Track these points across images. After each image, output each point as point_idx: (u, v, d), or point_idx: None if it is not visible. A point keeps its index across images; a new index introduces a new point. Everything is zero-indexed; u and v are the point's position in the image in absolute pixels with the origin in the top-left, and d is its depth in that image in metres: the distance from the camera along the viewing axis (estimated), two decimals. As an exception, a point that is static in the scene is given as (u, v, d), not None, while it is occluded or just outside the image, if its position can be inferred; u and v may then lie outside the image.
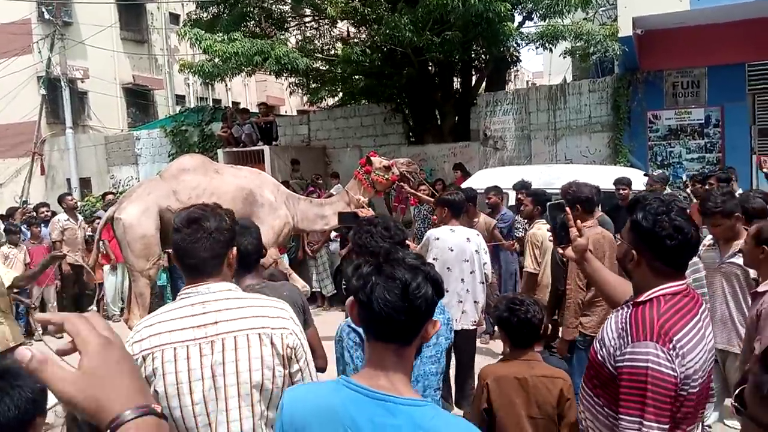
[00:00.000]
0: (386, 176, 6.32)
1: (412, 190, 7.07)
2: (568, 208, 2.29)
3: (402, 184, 6.85)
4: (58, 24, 17.23)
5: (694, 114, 10.51)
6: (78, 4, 18.10)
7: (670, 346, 1.76)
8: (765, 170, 7.38)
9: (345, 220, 4.02)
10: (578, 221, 2.30)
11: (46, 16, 17.38)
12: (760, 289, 2.82)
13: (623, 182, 6.66)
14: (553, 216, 2.29)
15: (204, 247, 1.87)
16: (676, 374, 1.74)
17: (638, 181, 7.20)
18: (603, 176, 7.03)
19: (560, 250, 2.42)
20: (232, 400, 1.79)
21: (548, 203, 2.38)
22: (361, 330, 2.05)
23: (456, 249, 4.36)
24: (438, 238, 4.39)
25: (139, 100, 21.28)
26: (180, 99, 22.95)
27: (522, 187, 6.34)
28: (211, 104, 21.27)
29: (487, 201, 6.76)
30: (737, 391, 1.33)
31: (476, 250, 4.42)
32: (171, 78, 22.37)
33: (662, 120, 10.78)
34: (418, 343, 1.40)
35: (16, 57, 16.90)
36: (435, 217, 5.27)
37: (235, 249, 1.97)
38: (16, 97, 17.02)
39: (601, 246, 3.72)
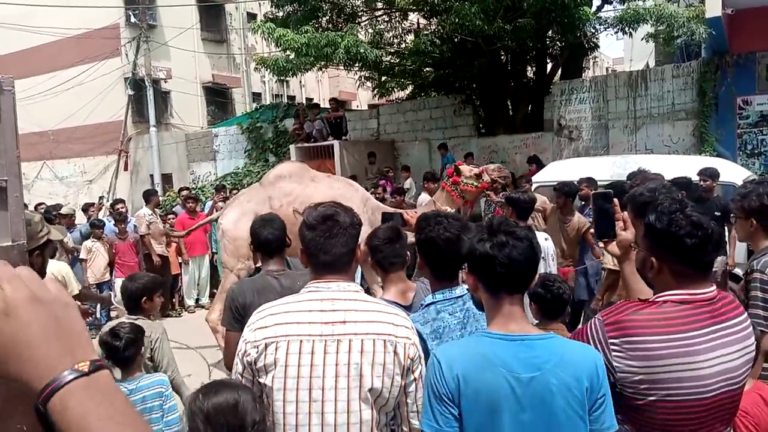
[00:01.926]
0: (476, 184, 6.02)
1: (499, 199, 6.64)
2: (615, 199, 2.09)
3: (489, 193, 6.54)
4: (144, 27, 18.13)
5: (791, 98, 9.72)
6: (162, 7, 18.95)
7: (616, 341, 1.72)
8: None
9: (386, 221, 3.86)
10: (624, 213, 2.09)
11: (133, 20, 18.31)
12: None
13: (707, 173, 6.20)
14: (597, 206, 2.08)
15: (341, 242, 1.87)
16: (607, 359, 1.73)
17: (728, 171, 6.70)
18: (685, 166, 6.58)
19: (601, 244, 2.28)
20: (354, 402, 1.76)
21: (593, 192, 2.20)
22: (421, 330, 2.09)
23: None
24: None
25: (217, 98, 22.05)
26: (256, 96, 23.61)
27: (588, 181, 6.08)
28: (285, 101, 21.76)
29: (579, 193, 6.45)
30: None
31: (542, 257, 4.23)
32: (248, 76, 23.04)
33: (753, 106, 10.04)
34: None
35: (105, 60, 17.94)
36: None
37: (362, 245, 1.99)
38: (105, 98, 18.05)
39: None
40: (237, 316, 2.90)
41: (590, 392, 1.62)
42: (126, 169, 18.97)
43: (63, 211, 8.75)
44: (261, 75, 21.77)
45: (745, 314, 1.85)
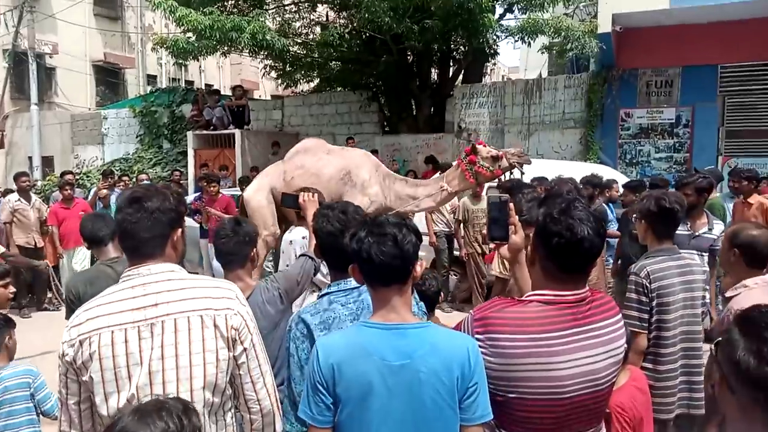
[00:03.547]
0: (491, 168, 5.79)
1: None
2: (511, 204, 2.04)
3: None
4: (27, -5, 16.68)
5: (666, 113, 10.63)
6: (49, -25, 17.55)
7: (480, 336, 1.74)
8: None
9: (285, 202, 3.74)
10: (516, 217, 2.05)
11: (14, -14, 16.80)
12: (728, 294, 2.81)
13: (590, 182, 6.46)
14: (491, 209, 2.04)
15: (146, 227, 1.80)
16: None
17: (609, 177, 7.22)
18: (573, 172, 7.05)
19: (492, 245, 2.27)
20: (171, 384, 1.72)
21: (488, 195, 2.11)
22: (310, 321, 2.10)
23: None
24: None
25: (109, 78, 20.78)
26: (152, 79, 22.48)
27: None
28: (183, 85, 20.87)
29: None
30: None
31: None
32: (143, 57, 21.89)
33: (634, 118, 10.89)
34: (411, 281, 1.76)
35: (-20, 27, 16.33)
36: None
37: (180, 230, 1.90)
38: (-21, 68, 16.46)
39: None
40: (74, 309, 2.83)
41: (461, 381, 1.64)
42: (2, 147, 17.38)
43: None
44: (158, 56, 20.77)
45: (617, 317, 1.84)
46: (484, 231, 2.32)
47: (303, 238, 3.99)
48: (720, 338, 1.37)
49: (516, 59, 30.17)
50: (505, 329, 1.72)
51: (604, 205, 6.35)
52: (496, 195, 2.09)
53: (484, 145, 5.96)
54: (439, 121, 12.71)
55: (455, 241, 7.63)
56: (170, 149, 15.23)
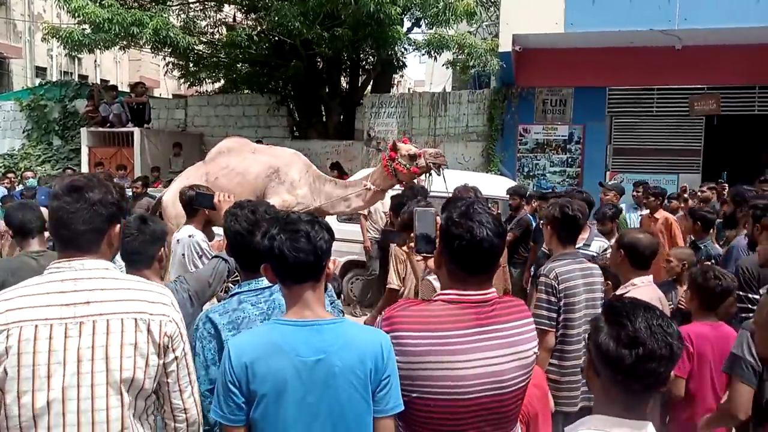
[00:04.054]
0: (408, 166, 5.61)
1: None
2: (438, 217, 2.02)
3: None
4: None
5: (560, 130, 11.37)
6: None
7: (391, 336, 1.73)
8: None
9: (200, 203, 3.62)
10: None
11: None
12: (618, 292, 3.07)
13: (516, 192, 6.80)
14: (416, 219, 2.04)
15: (83, 218, 1.70)
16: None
17: (504, 188, 7.57)
18: (476, 183, 7.35)
19: (418, 257, 2.34)
20: (100, 387, 1.65)
21: (416, 208, 2.09)
22: (218, 321, 2.07)
23: None
24: None
25: (-10, 67, 19.16)
26: (40, 71, 20.95)
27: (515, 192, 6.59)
28: (76, 80, 19.63)
29: (509, 203, 6.76)
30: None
31: None
32: (31, 47, 20.35)
33: (531, 134, 11.55)
34: (324, 278, 1.78)
35: None
36: None
37: (118, 226, 1.82)
38: None
39: None
40: None
41: (374, 374, 1.68)
42: None
43: None
44: (48, 47, 19.41)
45: (526, 320, 1.84)
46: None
47: (189, 236, 3.87)
48: (588, 332, 1.56)
49: (422, 73, 30.97)
50: (409, 327, 1.73)
51: (529, 215, 6.60)
52: (422, 207, 2.12)
53: (406, 143, 5.88)
54: (348, 128, 12.81)
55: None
56: (61, 146, 14.27)
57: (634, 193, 7.60)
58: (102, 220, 1.74)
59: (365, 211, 7.04)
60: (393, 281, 5.06)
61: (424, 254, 2.05)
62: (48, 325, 1.62)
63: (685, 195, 8.57)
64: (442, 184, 6.67)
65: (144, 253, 2.68)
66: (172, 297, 1.84)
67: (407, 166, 5.59)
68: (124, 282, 1.77)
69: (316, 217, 1.82)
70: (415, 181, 5.88)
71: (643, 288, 2.92)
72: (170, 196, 5.82)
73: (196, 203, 3.71)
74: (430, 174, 5.84)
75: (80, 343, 1.64)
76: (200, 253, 3.82)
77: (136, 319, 1.70)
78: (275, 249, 1.69)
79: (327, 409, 1.65)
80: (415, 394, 1.72)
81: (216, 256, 3.03)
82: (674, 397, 2.88)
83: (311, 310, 1.72)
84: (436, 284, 2.77)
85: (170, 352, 1.76)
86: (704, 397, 2.88)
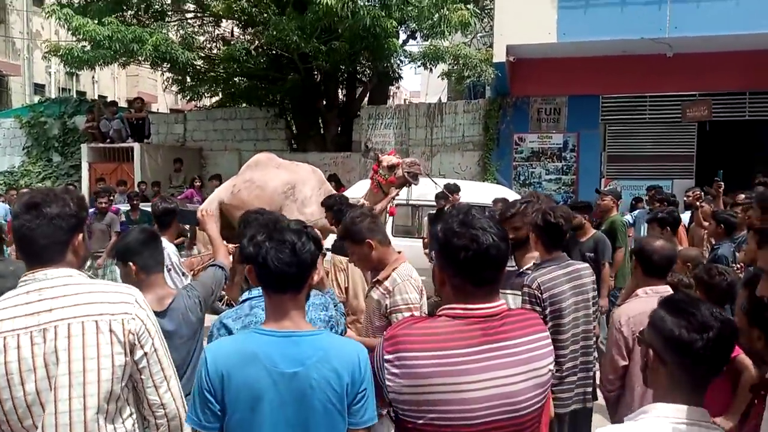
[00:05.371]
0: (387, 176, 5.74)
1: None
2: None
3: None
4: None
5: (555, 139, 11.50)
6: None
7: (390, 356, 1.62)
8: None
9: (184, 220, 3.71)
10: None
11: None
12: (618, 302, 3.13)
13: (452, 189, 6.93)
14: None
15: (44, 233, 1.77)
16: (379, 376, 1.66)
17: (508, 197, 7.71)
18: (473, 192, 7.54)
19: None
20: (63, 390, 1.70)
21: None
22: (232, 326, 2.14)
23: None
24: None
25: (-11, 85, 19.31)
26: (39, 88, 21.11)
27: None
28: (75, 96, 19.78)
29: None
30: None
31: None
32: (30, 64, 20.54)
33: (526, 143, 11.68)
34: (307, 289, 1.77)
35: None
36: None
37: (81, 236, 1.87)
38: None
39: None
40: None
41: (351, 386, 1.67)
42: None
43: None
44: (46, 65, 19.56)
45: (540, 334, 1.72)
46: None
47: None
48: (640, 331, 1.65)
49: (417, 84, 31.25)
50: (414, 346, 1.61)
51: None
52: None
53: (392, 154, 6.05)
54: (346, 140, 12.94)
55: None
56: (61, 162, 14.38)
57: (647, 198, 7.69)
58: (63, 233, 1.80)
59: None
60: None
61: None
62: (15, 335, 1.69)
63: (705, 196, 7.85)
64: (432, 186, 6.81)
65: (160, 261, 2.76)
66: (137, 294, 1.87)
67: (386, 176, 5.79)
68: (86, 286, 1.81)
69: (306, 227, 1.81)
70: (395, 189, 5.97)
71: (643, 300, 2.89)
72: (204, 205, 6.07)
73: (181, 221, 3.80)
74: (410, 184, 5.97)
75: (45, 349, 1.70)
76: (169, 267, 3.87)
77: (96, 321, 1.74)
78: (259, 257, 1.69)
79: (303, 421, 1.64)
80: (421, 421, 1.60)
81: (213, 264, 3.12)
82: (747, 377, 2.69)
83: (291, 321, 1.70)
84: (383, 300, 2.80)
85: (138, 349, 1.80)
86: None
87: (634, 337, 2.71)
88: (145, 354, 1.82)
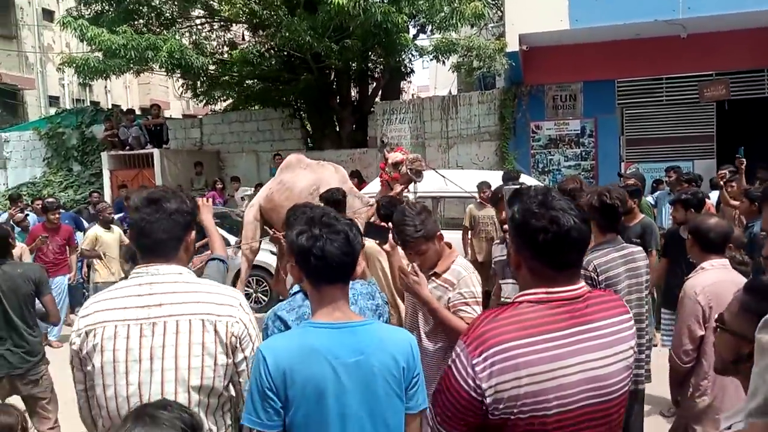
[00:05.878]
0: (391, 172, 5.75)
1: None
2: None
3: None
4: None
5: (571, 125, 11.48)
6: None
7: (480, 359, 1.48)
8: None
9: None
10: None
11: None
12: (690, 276, 3.09)
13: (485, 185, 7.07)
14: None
15: (162, 227, 1.84)
16: (470, 387, 1.48)
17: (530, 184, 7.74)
18: (493, 181, 7.57)
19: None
20: (169, 384, 1.76)
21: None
22: (287, 318, 2.18)
23: None
24: None
25: (7, 99, 19.56)
26: (54, 100, 21.37)
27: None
28: (90, 106, 20.02)
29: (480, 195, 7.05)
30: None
31: None
32: (44, 77, 20.79)
33: (543, 130, 11.67)
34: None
35: None
36: None
37: (193, 233, 1.95)
38: None
39: None
40: None
41: (406, 372, 1.72)
42: None
43: None
44: (60, 77, 19.80)
45: (624, 316, 1.65)
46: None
47: None
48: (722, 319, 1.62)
49: (425, 78, 31.16)
50: (505, 337, 1.49)
51: None
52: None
53: (399, 150, 6.04)
54: (362, 136, 12.99)
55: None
56: (81, 171, 14.57)
57: (666, 179, 7.68)
58: (179, 228, 1.88)
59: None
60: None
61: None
62: (126, 325, 1.77)
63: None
64: (444, 182, 6.90)
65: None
66: (241, 298, 1.92)
67: (391, 173, 5.80)
68: (195, 285, 1.88)
69: (350, 219, 1.87)
70: (399, 186, 5.97)
71: (712, 271, 2.93)
72: (248, 207, 6.75)
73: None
74: (413, 181, 5.92)
75: (153, 342, 1.77)
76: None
77: (203, 320, 1.79)
78: (315, 249, 1.69)
79: (367, 408, 1.67)
80: (517, 416, 1.49)
81: (214, 258, 3.12)
82: None
83: (341, 312, 1.73)
84: (445, 294, 2.74)
85: (239, 352, 1.84)
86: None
87: (710, 306, 2.78)
88: (245, 358, 1.84)
